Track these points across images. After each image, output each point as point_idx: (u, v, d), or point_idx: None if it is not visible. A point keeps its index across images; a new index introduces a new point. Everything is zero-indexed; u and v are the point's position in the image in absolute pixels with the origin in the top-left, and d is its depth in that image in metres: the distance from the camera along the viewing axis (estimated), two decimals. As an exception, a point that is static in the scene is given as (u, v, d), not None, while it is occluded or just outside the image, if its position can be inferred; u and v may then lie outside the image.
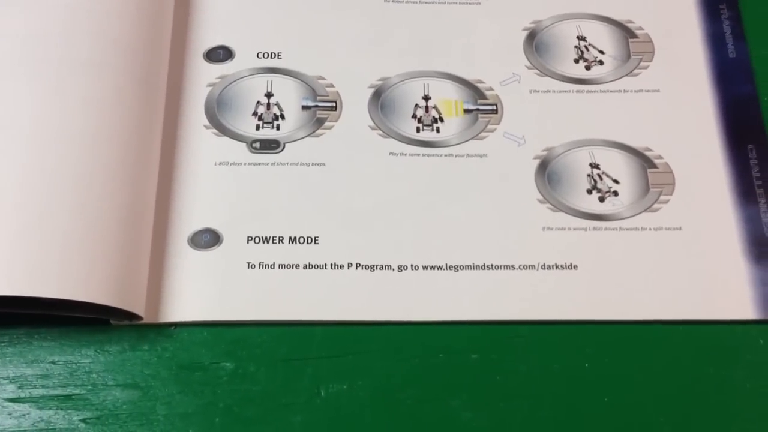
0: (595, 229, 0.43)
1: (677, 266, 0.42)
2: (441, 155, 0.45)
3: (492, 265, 0.42)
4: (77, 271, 0.37)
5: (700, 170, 0.44)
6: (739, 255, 0.42)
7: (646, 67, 0.47)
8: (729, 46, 0.48)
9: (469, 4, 0.49)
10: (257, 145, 0.44)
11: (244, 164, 0.44)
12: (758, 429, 0.39)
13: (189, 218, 0.42)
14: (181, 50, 0.46)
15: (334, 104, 0.46)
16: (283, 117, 0.45)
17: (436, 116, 0.46)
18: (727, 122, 0.46)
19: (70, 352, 0.40)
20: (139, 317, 0.39)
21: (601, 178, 0.44)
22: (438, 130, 0.45)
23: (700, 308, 0.41)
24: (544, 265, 0.42)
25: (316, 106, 0.45)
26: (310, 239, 0.42)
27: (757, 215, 0.43)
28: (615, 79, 0.47)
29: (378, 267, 0.42)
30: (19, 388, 0.39)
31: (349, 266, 0.42)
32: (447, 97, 0.46)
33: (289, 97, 0.46)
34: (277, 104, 0.45)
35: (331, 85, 0.46)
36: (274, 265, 0.41)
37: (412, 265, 0.42)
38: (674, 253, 0.42)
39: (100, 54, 0.41)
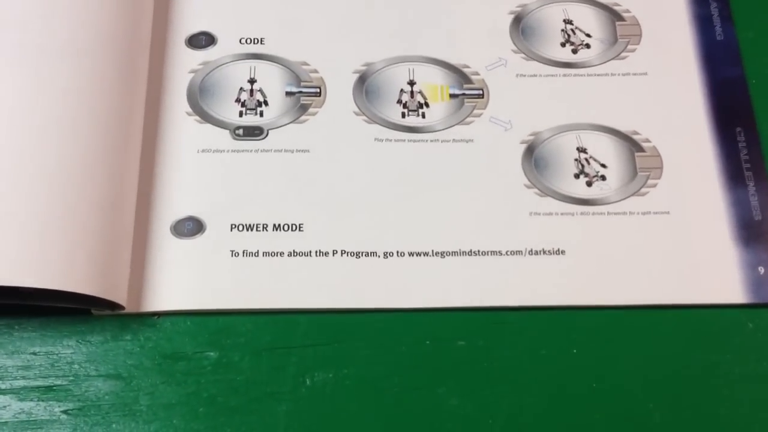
0: (582, 214, 0.43)
1: (665, 250, 0.42)
2: (427, 141, 0.44)
3: (479, 252, 0.41)
4: (57, 261, 0.36)
5: (688, 153, 0.44)
6: (728, 238, 0.42)
7: (633, 50, 0.47)
8: (717, 28, 0.47)
9: (455, -13, 0.48)
10: (240, 131, 0.44)
11: (227, 151, 0.43)
12: (747, 413, 0.39)
13: (171, 206, 0.42)
14: (163, 36, 0.46)
15: (318, 90, 0.45)
16: (266, 103, 0.45)
17: (422, 101, 0.45)
18: (714, 105, 0.45)
19: (51, 342, 0.39)
20: (121, 306, 0.38)
21: (588, 163, 0.44)
22: (423, 116, 0.45)
23: (689, 292, 0.41)
24: (531, 250, 0.42)
25: (300, 92, 0.45)
26: (294, 227, 0.42)
27: (745, 198, 0.43)
28: (602, 63, 0.46)
29: (363, 254, 0.41)
30: (0, 379, 0.38)
31: (334, 253, 0.41)
32: (432, 82, 0.46)
33: (272, 83, 0.45)
34: (260, 90, 0.45)
35: (315, 71, 0.45)
36: (258, 253, 0.41)
37: (398, 252, 0.41)
38: (662, 238, 0.42)
39: (80, 40, 0.41)
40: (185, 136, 0.43)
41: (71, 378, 0.38)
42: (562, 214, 0.42)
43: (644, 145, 0.44)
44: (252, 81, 0.45)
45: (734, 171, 0.44)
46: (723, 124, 0.45)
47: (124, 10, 0.43)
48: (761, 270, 0.41)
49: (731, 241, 0.42)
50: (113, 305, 0.38)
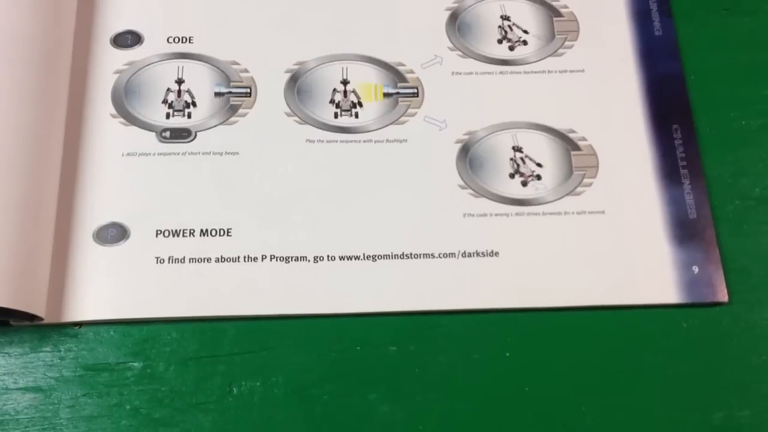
0: (517, 214, 0.42)
1: (600, 251, 0.41)
2: (360, 141, 0.43)
3: (411, 254, 0.41)
4: (-30, 272, 0.35)
5: (624, 152, 0.43)
6: (663, 238, 0.42)
7: (570, 47, 0.46)
8: (655, 23, 0.47)
9: (390, -17, 0.47)
10: (167, 134, 0.43)
11: (154, 154, 0.42)
12: (682, 414, 0.39)
13: (94, 212, 0.40)
14: (87, 35, 0.44)
15: (248, 90, 0.44)
16: (194, 104, 0.43)
17: (355, 101, 0.44)
18: (652, 102, 0.45)
19: (-33, 355, 0.38)
20: (39, 318, 0.37)
21: (524, 162, 0.43)
22: (357, 116, 0.44)
23: (624, 293, 0.40)
24: (464, 252, 0.41)
25: (230, 92, 0.44)
26: (222, 231, 0.41)
27: (681, 197, 0.42)
28: (539, 60, 0.46)
29: (293, 258, 0.40)
30: None
31: (263, 258, 0.40)
32: (366, 81, 0.45)
33: (201, 83, 0.44)
34: (188, 91, 0.44)
35: (246, 71, 0.44)
36: (184, 259, 0.40)
37: (328, 256, 0.40)
38: (597, 238, 0.41)
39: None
40: (109, 139, 0.42)
41: (-11, 392, 0.37)
42: (496, 215, 0.42)
43: (580, 143, 0.44)
44: (180, 81, 0.44)
45: (670, 169, 0.43)
46: (660, 122, 0.44)
47: (43, 8, 0.41)
48: (695, 269, 0.41)
49: (666, 240, 0.41)
50: (31, 316, 0.37)
